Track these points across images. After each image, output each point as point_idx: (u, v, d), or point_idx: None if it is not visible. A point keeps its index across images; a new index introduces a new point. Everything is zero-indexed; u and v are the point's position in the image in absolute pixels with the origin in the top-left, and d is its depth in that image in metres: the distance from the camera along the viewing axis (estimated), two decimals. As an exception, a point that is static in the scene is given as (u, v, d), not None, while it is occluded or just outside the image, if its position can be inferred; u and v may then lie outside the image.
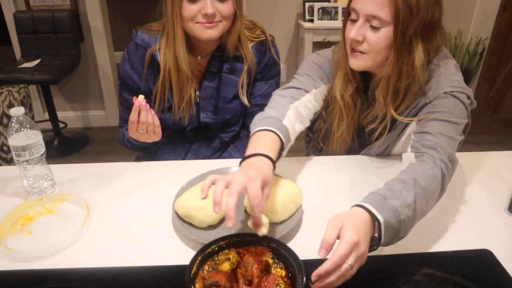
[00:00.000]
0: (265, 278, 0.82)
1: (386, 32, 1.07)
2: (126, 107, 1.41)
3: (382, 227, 0.83)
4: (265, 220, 0.86)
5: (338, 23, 3.34)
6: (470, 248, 0.97)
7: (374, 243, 0.85)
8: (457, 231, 1.04)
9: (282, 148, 1.07)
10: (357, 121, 1.30)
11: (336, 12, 3.34)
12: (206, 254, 0.86)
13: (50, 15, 3.17)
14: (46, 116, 3.48)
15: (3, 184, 1.20)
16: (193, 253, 0.84)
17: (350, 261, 0.76)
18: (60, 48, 3.25)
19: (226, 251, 0.88)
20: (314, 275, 0.76)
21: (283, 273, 0.84)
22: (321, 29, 3.33)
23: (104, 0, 3.44)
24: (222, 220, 1.03)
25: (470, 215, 1.10)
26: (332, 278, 0.76)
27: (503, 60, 3.44)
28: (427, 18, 1.05)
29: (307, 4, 3.38)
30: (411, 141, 1.12)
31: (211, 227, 1.01)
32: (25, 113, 1.06)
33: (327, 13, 3.34)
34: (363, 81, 1.25)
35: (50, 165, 1.18)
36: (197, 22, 1.22)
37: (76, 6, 3.32)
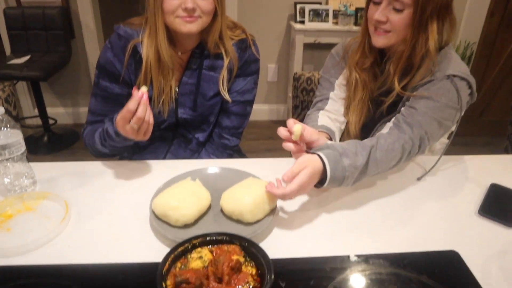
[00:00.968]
0: (235, 276, 0.84)
1: (407, 13, 1.17)
2: (101, 97, 1.37)
3: (328, 179, 1.05)
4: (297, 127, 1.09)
5: (328, 25, 3.38)
6: (438, 249, 1.00)
7: (319, 184, 1.08)
8: (427, 232, 1.07)
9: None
10: (371, 93, 1.39)
11: (327, 15, 3.37)
12: (179, 252, 0.88)
13: (41, 11, 3.18)
14: (36, 112, 3.48)
15: (-16, 181, 1.21)
16: (168, 250, 0.86)
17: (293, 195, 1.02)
18: (51, 44, 3.26)
19: (199, 249, 0.90)
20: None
21: (254, 271, 0.86)
22: (312, 30, 3.36)
23: (95, -2, 3.45)
24: (197, 219, 1.05)
25: (441, 217, 1.13)
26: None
27: (491, 64, 3.50)
28: (443, 1, 1.15)
29: (298, 6, 3.41)
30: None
31: (187, 225, 1.03)
32: (5, 113, 1.07)
33: (318, 15, 3.37)
34: (379, 56, 1.36)
35: (31, 163, 1.19)
36: (177, 16, 1.24)
37: (67, 3, 3.33)
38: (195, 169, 1.24)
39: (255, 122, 3.84)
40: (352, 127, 1.42)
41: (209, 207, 1.09)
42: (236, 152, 1.63)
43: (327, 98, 1.44)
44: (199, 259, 0.88)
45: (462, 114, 1.25)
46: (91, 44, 3.46)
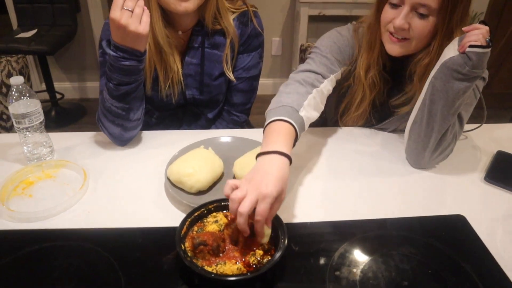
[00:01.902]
0: (250, 239, 0.88)
1: (432, 20, 1.08)
2: None
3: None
4: (267, 232, 0.86)
5: (334, -3, 3.34)
6: (446, 213, 1.03)
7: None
8: (435, 198, 1.10)
9: (296, 139, 1.03)
10: (379, 99, 1.31)
11: (333, -14, 3.33)
12: (195, 216, 0.91)
13: (46, -16, 3.16)
14: (43, 86, 3.49)
15: (4, 151, 1.24)
16: (184, 216, 0.90)
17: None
18: (57, 18, 3.24)
19: (214, 214, 0.94)
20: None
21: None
22: (317, 2, 3.32)
23: (100, -30, 3.42)
24: (211, 186, 1.08)
25: (449, 183, 1.16)
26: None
27: (497, 35, 3.46)
28: (468, 5, 1.08)
29: (303, -23, 3.37)
30: None
31: (201, 192, 1.06)
32: (24, 82, 1.10)
33: (323, -14, 3.33)
34: (392, 62, 1.25)
35: (49, 133, 1.22)
36: None
37: (72, -24, 3.30)
38: (208, 138, 1.26)
39: (259, 97, 3.78)
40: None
41: (222, 175, 1.13)
42: (246, 125, 1.64)
43: (324, 78, 1.20)
44: (215, 223, 0.92)
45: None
46: (97, 18, 3.43)
